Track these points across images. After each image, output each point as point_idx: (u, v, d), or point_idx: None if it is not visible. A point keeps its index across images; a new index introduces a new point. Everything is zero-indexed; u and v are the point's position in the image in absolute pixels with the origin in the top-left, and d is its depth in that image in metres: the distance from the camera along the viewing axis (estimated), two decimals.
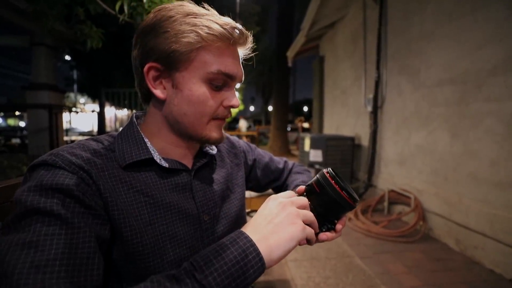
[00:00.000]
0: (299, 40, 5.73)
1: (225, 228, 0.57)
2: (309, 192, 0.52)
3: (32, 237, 0.35)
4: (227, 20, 0.50)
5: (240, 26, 0.51)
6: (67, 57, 11.19)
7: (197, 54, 0.48)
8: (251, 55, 0.57)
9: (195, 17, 0.48)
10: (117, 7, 1.48)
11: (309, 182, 0.53)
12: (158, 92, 0.50)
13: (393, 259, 2.22)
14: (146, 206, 0.47)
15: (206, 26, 0.47)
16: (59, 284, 0.32)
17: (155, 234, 0.46)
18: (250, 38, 0.53)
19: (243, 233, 0.42)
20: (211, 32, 0.47)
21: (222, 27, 0.48)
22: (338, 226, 0.53)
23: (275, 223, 0.43)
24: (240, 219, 0.63)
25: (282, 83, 10.23)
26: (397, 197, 3.16)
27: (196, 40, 0.47)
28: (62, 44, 4.78)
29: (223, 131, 0.57)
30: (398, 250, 2.38)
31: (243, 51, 0.55)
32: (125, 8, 1.49)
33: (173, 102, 0.50)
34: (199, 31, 0.46)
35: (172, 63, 0.48)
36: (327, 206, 0.50)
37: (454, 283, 1.89)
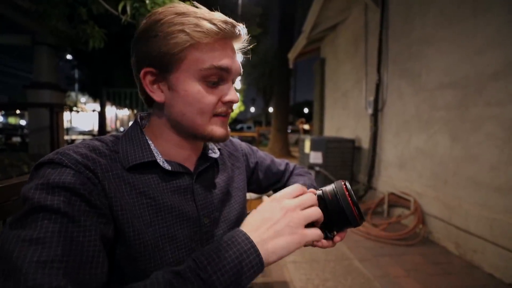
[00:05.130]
0: (301, 42, 5.74)
1: (225, 232, 0.58)
2: (319, 198, 0.51)
3: (39, 234, 0.35)
4: (216, 15, 0.49)
5: (230, 20, 0.50)
6: (69, 56, 11.20)
7: (187, 53, 0.48)
8: (249, 47, 0.56)
9: (184, 16, 0.48)
10: (119, 8, 1.49)
11: (322, 188, 0.53)
12: (156, 96, 0.51)
13: (392, 262, 2.21)
14: (148, 207, 0.48)
15: (193, 24, 0.47)
16: (66, 280, 0.33)
17: (155, 236, 0.47)
18: (244, 30, 0.52)
19: (244, 234, 0.42)
20: (199, 29, 0.46)
21: (211, 23, 0.47)
22: (337, 238, 0.53)
23: (276, 230, 0.43)
24: (240, 223, 0.64)
25: (283, 85, 10.26)
26: (396, 200, 3.16)
27: (184, 39, 0.47)
28: (64, 43, 4.78)
29: (228, 129, 0.56)
30: (397, 253, 2.38)
31: (239, 45, 0.54)
32: (128, 9, 1.50)
33: (171, 104, 0.51)
34: (187, 30, 0.46)
35: (164, 65, 0.49)
36: (334, 216, 0.50)
37: (453, 287, 1.89)
